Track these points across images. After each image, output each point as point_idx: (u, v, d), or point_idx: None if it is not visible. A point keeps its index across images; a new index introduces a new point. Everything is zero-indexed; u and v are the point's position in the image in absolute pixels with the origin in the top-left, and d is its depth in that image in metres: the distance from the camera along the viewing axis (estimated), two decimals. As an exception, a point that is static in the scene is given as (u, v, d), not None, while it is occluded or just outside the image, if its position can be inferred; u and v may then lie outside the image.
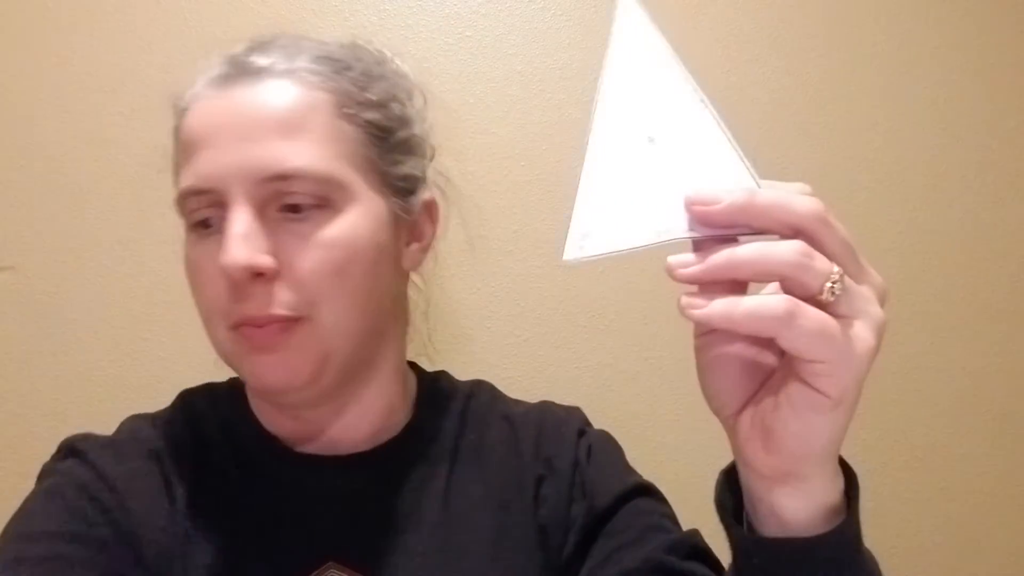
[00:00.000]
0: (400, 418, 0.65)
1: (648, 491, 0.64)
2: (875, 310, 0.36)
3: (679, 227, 0.37)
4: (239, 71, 0.56)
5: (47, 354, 0.93)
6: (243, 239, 0.51)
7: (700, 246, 0.37)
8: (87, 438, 0.62)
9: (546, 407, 0.71)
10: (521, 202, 0.98)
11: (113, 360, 0.93)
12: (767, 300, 0.34)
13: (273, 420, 0.63)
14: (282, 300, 0.53)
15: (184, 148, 0.56)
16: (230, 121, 0.54)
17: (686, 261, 0.36)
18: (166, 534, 0.57)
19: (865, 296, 0.36)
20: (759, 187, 0.38)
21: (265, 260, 0.52)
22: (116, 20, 0.95)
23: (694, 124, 0.39)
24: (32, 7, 0.94)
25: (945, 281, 1.03)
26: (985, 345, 1.04)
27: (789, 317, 0.33)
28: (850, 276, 0.36)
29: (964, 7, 1.04)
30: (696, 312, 0.35)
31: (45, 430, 0.92)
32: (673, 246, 0.37)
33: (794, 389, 0.36)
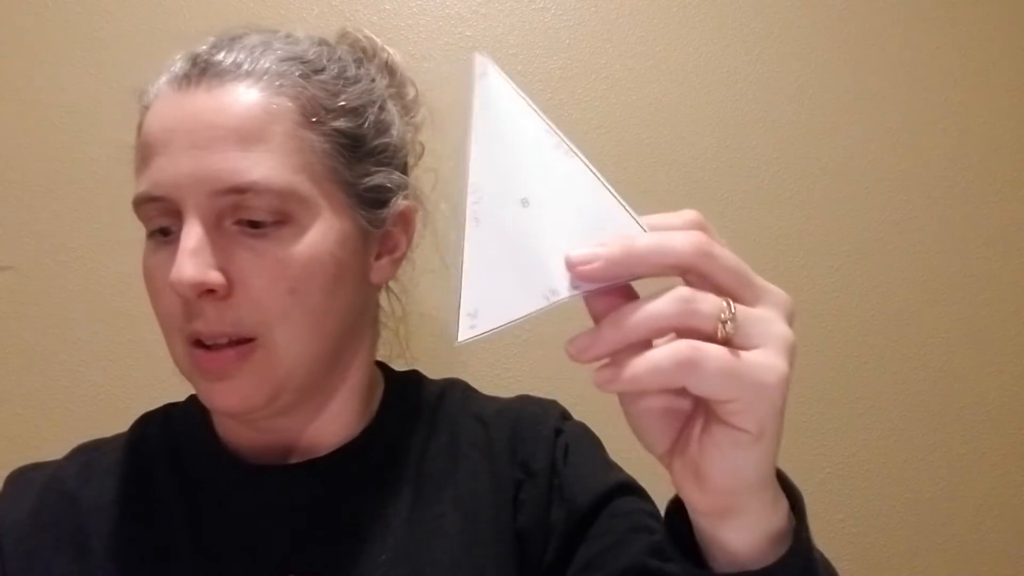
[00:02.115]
0: (365, 423, 0.63)
1: (629, 489, 0.61)
2: (779, 331, 0.36)
3: (565, 287, 0.37)
4: (200, 71, 0.53)
5: (47, 354, 0.93)
6: (192, 255, 0.49)
7: (592, 303, 0.37)
8: (17, 477, 0.62)
9: (521, 404, 0.68)
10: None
11: (113, 360, 0.93)
12: (667, 352, 0.34)
13: (234, 432, 0.61)
14: (233, 319, 0.51)
15: (141, 151, 0.53)
16: (186, 127, 0.51)
17: (582, 345, 0.36)
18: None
19: (765, 320, 0.36)
20: (641, 226, 0.37)
21: (214, 277, 0.50)
22: (116, 19, 0.95)
23: (565, 176, 0.38)
24: (31, 6, 0.94)
25: (946, 281, 1.04)
26: (985, 345, 1.04)
27: (691, 365, 0.33)
28: (745, 302, 0.36)
29: (966, 7, 1.04)
30: (610, 389, 0.35)
31: (45, 430, 0.92)
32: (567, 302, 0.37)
33: (715, 429, 0.36)
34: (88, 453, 0.63)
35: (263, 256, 0.51)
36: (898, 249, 1.03)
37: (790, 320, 0.37)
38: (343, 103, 0.56)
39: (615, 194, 0.38)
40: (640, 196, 0.99)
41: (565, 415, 0.68)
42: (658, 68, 1.01)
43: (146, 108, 0.55)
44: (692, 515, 0.41)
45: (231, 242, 0.51)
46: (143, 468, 0.61)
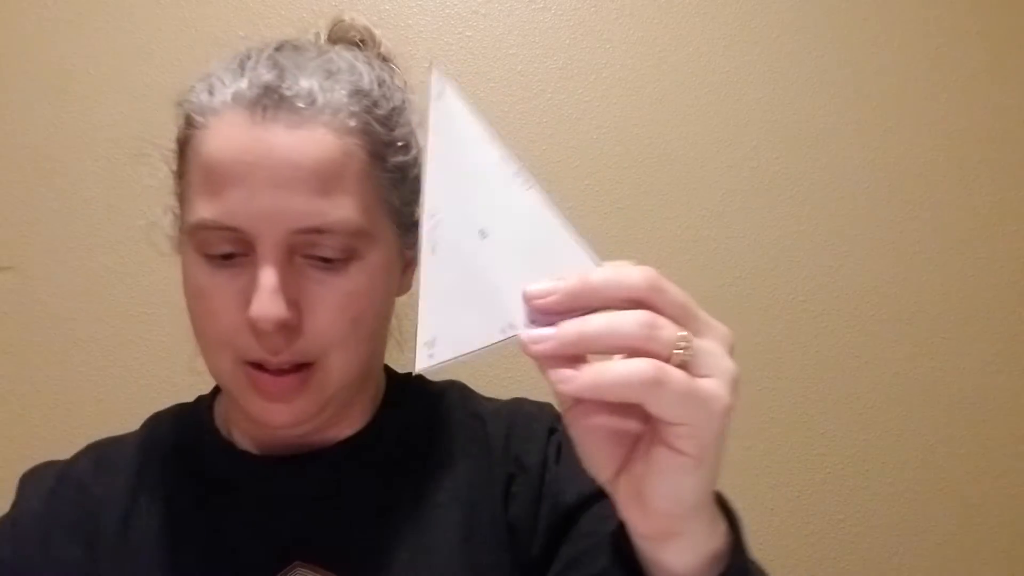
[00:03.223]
0: (369, 419, 0.65)
1: None
2: (726, 365, 0.37)
3: (522, 321, 0.37)
4: (275, 103, 0.52)
5: (47, 354, 0.93)
6: (274, 293, 0.51)
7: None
8: (32, 472, 0.65)
9: (517, 404, 0.69)
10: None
11: (113, 360, 0.93)
12: (634, 366, 0.35)
13: (247, 429, 0.63)
14: (300, 348, 0.54)
15: (208, 174, 0.53)
16: (267, 164, 0.51)
17: (538, 337, 0.36)
18: (82, 572, 0.59)
19: (714, 352, 0.37)
20: (595, 261, 0.38)
21: (292, 314, 0.52)
22: (115, 19, 0.95)
23: (522, 210, 0.39)
24: (31, 7, 0.94)
25: (946, 281, 1.04)
26: (985, 345, 1.04)
27: (656, 384, 0.34)
28: (693, 335, 0.37)
29: (966, 7, 1.04)
30: (566, 387, 0.36)
31: (45, 431, 0.92)
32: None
33: (659, 453, 0.37)
34: (100, 449, 0.66)
35: (332, 290, 0.53)
36: (898, 249, 1.03)
37: (731, 353, 0.38)
38: (399, 141, 0.58)
39: (572, 231, 0.39)
40: (640, 196, 1.00)
41: (559, 417, 0.68)
42: (658, 68, 1.01)
43: (200, 123, 0.54)
44: (634, 538, 0.42)
45: (301, 276, 0.53)
46: (153, 462, 0.63)
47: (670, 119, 1.01)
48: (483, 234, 0.39)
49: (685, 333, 0.36)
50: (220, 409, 0.65)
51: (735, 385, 0.37)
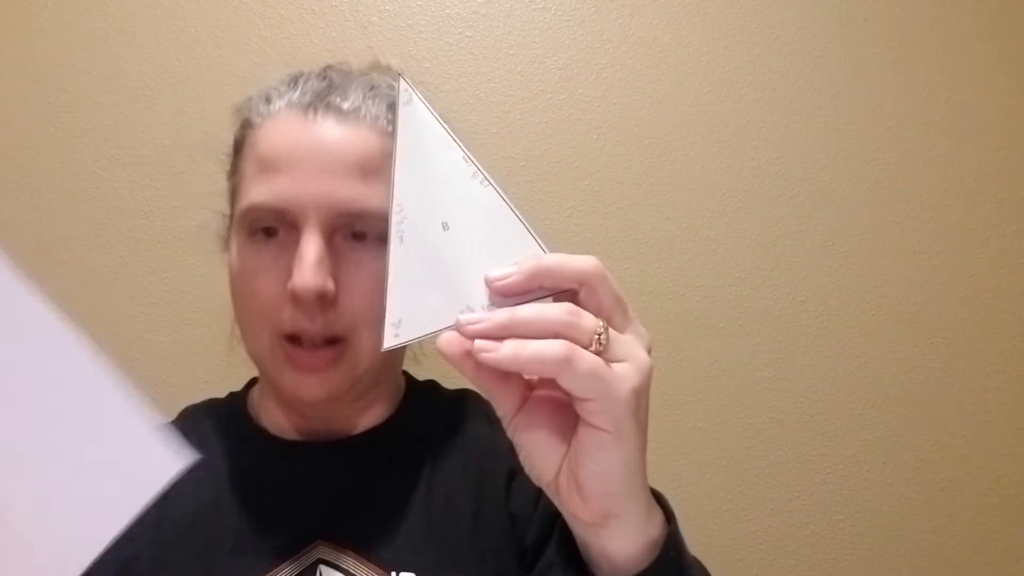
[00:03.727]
0: (389, 413, 0.70)
1: None
2: (640, 355, 0.42)
3: (480, 303, 0.42)
4: (324, 105, 0.59)
5: (47, 354, 0.92)
6: (316, 265, 0.55)
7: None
8: None
9: None
10: (521, 202, 0.97)
11: (114, 361, 0.93)
12: (549, 344, 0.39)
13: (276, 419, 0.67)
14: (335, 321, 0.58)
15: (260, 163, 0.59)
16: (316, 154, 0.57)
17: (475, 319, 0.41)
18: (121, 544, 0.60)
19: (630, 343, 0.42)
20: (545, 250, 0.43)
21: (331, 285, 0.56)
22: (114, 18, 0.95)
23: (480, 204, 0.44)
24: (31, 7, 0.94)
25: (946, 281, 1.04)
26: (985, 345, 1.04)
27: (567, 361, 0.39)
28: (617, 326, 0.42)
29: (966, 7, 1.04)
30: (488, 356, 0.40)
31: (45, 430, 0.92)
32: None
33: (583, 434, 0.42)
34: None
35: (367, 270, 0.58)
36: (898, 249, 1.03)
37: (648, 352, 0.43)
38: None
39: (526, 223, 0.44)
40: (640, 196, 1.00)
41: None
42: (658, 68, 1.01)
43: (256, 123, 0.61)
44: (576, 530, 0.46)
45: (339, 255, 0.58)
46: (189, 447, 0.65)
47: (670, 119, 1.01)
48: (445, 226, 0.44)
49: (603, 325, 0.41)
50: (253, 400, 0.69)
51: (646, 373, 0.42)
